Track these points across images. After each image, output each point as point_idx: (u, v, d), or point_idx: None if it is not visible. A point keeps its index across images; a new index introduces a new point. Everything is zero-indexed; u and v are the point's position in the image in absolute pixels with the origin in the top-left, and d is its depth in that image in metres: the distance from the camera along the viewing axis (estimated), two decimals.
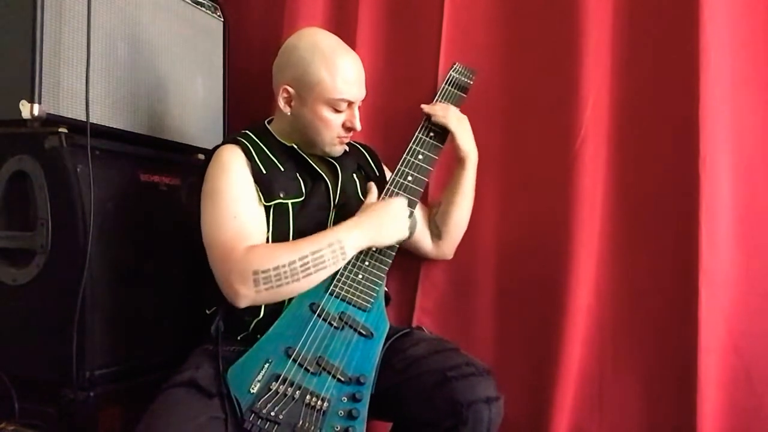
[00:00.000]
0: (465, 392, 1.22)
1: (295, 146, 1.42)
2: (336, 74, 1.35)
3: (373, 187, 1.41)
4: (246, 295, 1.26)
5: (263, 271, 1.25)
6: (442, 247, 1.59)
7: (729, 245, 1.44)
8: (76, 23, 1.41)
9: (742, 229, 1.45)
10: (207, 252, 1.32)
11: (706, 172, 1.41)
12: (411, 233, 1.43)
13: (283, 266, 1.26)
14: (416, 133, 1.47)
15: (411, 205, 1.41)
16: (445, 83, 1.54)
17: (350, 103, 1.39)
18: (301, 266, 1.26)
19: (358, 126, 1.40)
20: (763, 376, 1.42)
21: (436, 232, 1.58)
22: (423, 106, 1.50)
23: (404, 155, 1.45)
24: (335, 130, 1.39)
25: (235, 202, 1.32)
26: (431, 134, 1.48)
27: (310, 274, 1.27)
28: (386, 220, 1.35)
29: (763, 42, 1.45)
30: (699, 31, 1.42)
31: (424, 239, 1.58)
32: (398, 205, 1.38)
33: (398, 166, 1.44)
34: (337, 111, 1.38)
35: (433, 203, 1.62)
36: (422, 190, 1.43)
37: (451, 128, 1.47)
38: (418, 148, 1.46)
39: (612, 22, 1.54)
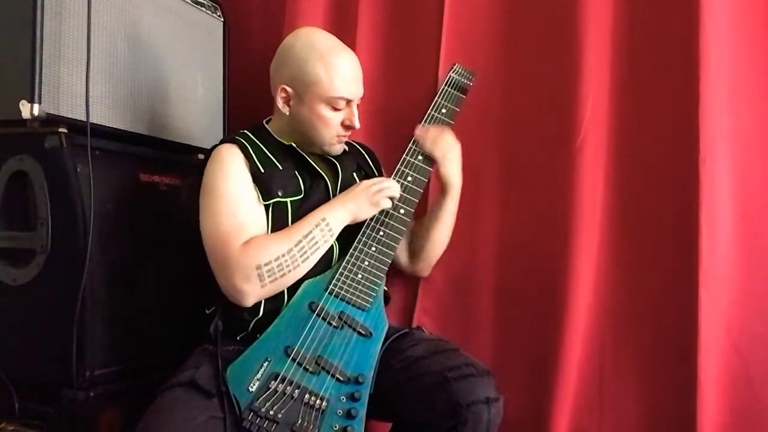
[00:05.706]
0: (465, 393, 1.22)
1: (294, 145, 1.43)
2: (333, 73, 1.35)
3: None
4: (252, 293, 1.28)
5: (265, 264, 1.27)
6: (416, 265, 1.58)
7: (729, 245, 1.43)
8: (76, 23, 1.41)
9: (742, 229, 1.44)
10: (205, 250, 1.33)
11: (706, 173, 1.41)
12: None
13: (283, 256, 1.28)
14: (404, 155, 1.46)
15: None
16: (445, 84, 1.54)
17: (348, 102, 1.39)
18: (299, 251, 1.29)
19: (356, 124, 1.40)
20: (763, 376, 1.41)
21: (412, 251, 1.57)
22: (417, 128, 1.48)
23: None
24: (334, 128, 1.39)
25: (233, 201, 1.32)
26: (419, 157, 1.46)
27: (307, 257, 1.31)
28: (364, 196, 1.36)
29: (763, 42, 1.45)
30: (699, 31, 1.41)
31: (400, 254, 1.56)
32: (376, 181, 1.40)
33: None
34: (336, 109, 1.38)
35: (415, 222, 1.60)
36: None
37: (436, 157, 1.46)
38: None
39: (612, 22, 1.54)
